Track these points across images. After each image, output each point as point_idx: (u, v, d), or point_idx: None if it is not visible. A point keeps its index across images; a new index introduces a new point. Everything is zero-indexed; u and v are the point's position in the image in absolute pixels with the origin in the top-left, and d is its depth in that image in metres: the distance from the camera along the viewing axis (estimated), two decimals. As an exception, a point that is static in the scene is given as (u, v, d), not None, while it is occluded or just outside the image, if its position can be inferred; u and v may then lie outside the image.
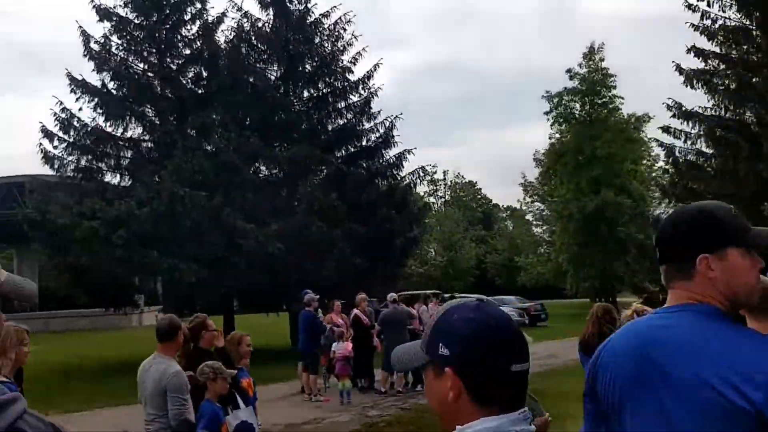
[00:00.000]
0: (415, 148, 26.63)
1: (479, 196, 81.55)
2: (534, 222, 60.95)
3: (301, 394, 14.79)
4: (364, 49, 26.85)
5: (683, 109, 23.42)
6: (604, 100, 44.98)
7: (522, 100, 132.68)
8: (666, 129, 24.31)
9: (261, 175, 26.67)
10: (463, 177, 78.77)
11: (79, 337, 34.04)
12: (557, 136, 51.16)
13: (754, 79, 21.93)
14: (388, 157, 26.43)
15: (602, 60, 44.74)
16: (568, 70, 45.21)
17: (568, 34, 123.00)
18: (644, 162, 47.45)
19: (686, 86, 22.89)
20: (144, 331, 28.74)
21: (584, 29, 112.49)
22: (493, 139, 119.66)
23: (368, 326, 15.07)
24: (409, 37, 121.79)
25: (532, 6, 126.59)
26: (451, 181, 77.47)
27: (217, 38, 26.40)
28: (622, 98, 45.23)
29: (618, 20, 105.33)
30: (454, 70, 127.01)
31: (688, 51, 23.10)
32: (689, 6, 23.65)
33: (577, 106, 45.97)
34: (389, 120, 26.39)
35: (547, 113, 46.85)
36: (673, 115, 23.56)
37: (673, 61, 23.63)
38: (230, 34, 26.61)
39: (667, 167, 25.90)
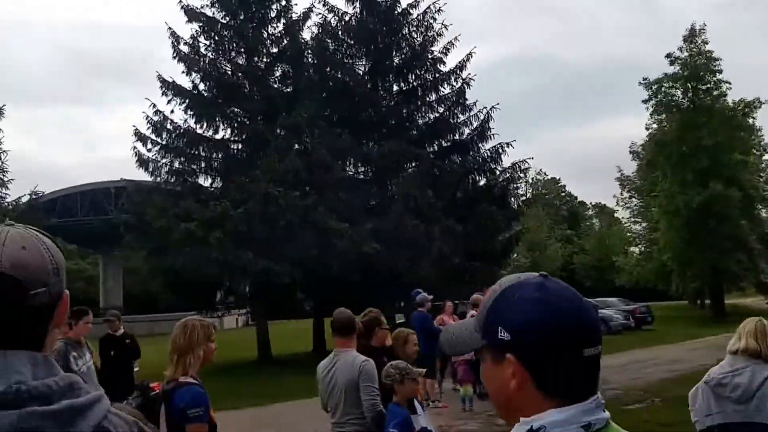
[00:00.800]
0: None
1: (563, 194, 79.35)
2: (632, 219, 58.56)
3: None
4: (456, 38, 26.20)
5: None
6: (708, 86, 42.73)
7: (604, 93, 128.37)
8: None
9: (352, 173, 26.34)
10: (545, 174, 76.75)
11: (162, 342, 34.52)
12: (654, 126, 49.25)
13: None
14: (483, 151, 25.66)
15: (705, 43, 42.53)
16: (668, 55, 43.09)
17: (651, 20, 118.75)
18: (755, 152, 44.93)
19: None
20: (227, 335, 28.86)
21: (670, 12, 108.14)
22: (574, 135, 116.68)
23: None
24: (482, 29, 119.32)
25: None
26: (532, 178, 75.63)
27: (303, 35, 26.30)
28: (729, 83, 42.87)
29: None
30: (526, 62, 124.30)
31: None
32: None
33: (679, 93, 43.84)
34: (485, 111, 25.61)
35: (645, 101, 44.89)
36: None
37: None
38: (316, 30, 26.40)
39: None
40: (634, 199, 56.63)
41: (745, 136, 43.65)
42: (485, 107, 25.56)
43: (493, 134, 25.45)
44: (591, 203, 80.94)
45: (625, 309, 34.99)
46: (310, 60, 25.93)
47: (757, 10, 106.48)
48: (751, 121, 43.52)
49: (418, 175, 24.91)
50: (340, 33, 26.61)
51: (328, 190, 23.37)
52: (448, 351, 1.47)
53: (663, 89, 44.10)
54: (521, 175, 25.93)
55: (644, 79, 44.33)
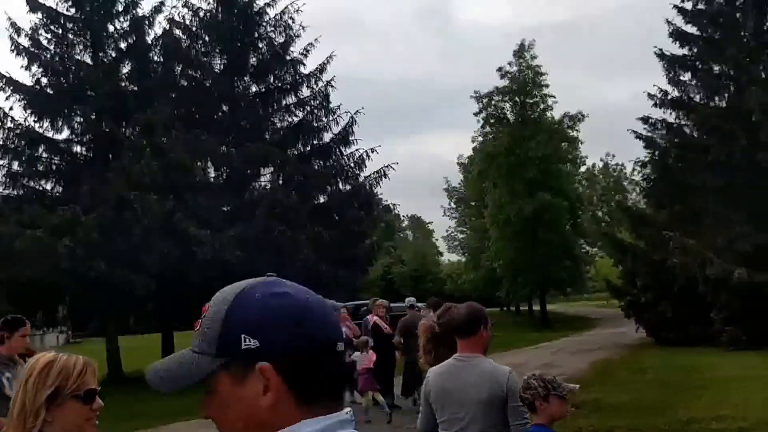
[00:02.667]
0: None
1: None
2: (458, 228, 61.20)
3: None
4: (316, 39, 26.02)
5: (669, 97, 23.88)
6: (535, 99, 45.53)
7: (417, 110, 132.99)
8: (646, 120, 24.73)
9: (213, 176, 25.40)
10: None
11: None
12: (480, 138, 51.94)
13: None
14: (346, 156, 25.62)
15: (534, 58, 45.33)
16: (499, 69, 45.58)
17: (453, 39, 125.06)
18: (571, 161, 48.23)
19: (669, 73, 23.41)
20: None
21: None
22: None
23: (389, 335, 13.61)
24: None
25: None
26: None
27: (153, 30, 25.04)
28: (554, 97, 45.95)
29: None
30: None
31: (671, 35, 23.68)
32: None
33: (508, 106, 46.38)
34: (348, 115, 25.59)
35: (476, 114, 47.14)
36: (655, 104, 23.99)
37: (655, 46, 24.24)
38: (167, 25, 25.19)
39: (645, 160, 26.13)
40: (461, 209, 59.29)
41: (569, 148, 46.92)
42: (348, 112, 25.56)
43: (356, 139, 25.50)
44: (406, 215, 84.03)
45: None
46: (161, 57, 24.73)
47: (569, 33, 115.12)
48: (574, 133, 46.84)
49: (282, 179, 24.41)
50: (194, 29, 25.59)
51: (187, 194, 22.34)
52: (167, 388, 1.21)
53: (493, 102, 46.52)
54: (381, 180, 26.01)
55: (476, 92, 46.57)
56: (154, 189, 21.53)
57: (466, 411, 4.05)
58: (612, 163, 58.27)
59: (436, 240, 71.55)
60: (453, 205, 61.30)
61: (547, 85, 45.28)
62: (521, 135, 43.79)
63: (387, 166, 25.46)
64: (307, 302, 1.19)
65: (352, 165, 25.36)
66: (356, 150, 25.71)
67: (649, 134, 25.23)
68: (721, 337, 21.32)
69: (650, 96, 25.19)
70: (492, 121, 46.84)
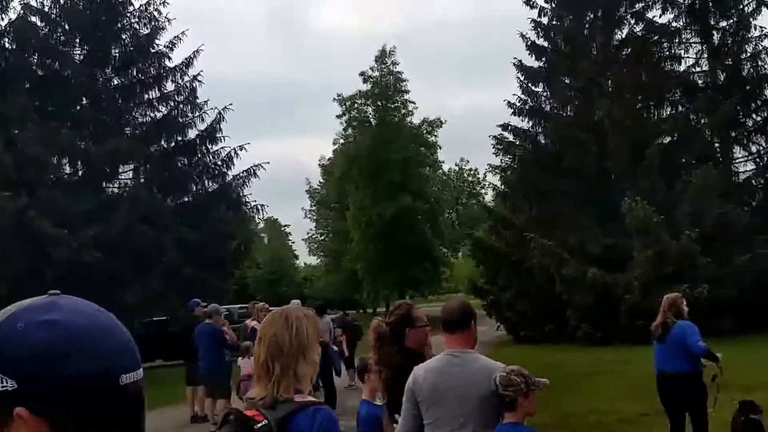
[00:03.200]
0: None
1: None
2: (319, 230, 61.17)
3: (202, 421, 13.18)
4: (183, 33, 25.32)
5: (527, 106, 24.93)
6: (396, 104, 46.31)
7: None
8: (505, 127, 25.74)
9: (71, 172, 24.10)
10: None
11: None
12: (342, 141, 52.46)
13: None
14: (213, 153, 25.03)
15: (396, 64, 46.09)
16: (362, 73, 46.08)
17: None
18: (430, 165, 49.38)
19: (527, 84, 24.44)
20: None
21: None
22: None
23: None
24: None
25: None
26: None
27: (6, 15, 23.56)
28: (414, 102, 46.91)
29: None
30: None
31: (528, 48, 24.73)
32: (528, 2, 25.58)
33: (370, 110, 46.94)
34: (215, 112, 25.02)
35: (339, 116, 47.47)
36: (514, 113, 25.00)
37: (514, 57, 25.21)
38: (22, 11, 23.74)
39: (504, 165, 27.14)
40: (321, 211, 59.29)
41: (429, 153, 48.02)
42: (216, 108, 24.99)
43: (223, 136, 24.98)
44: (260, 218, 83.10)
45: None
46: (14, 44, 23.28)
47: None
48: (433, 138, 47.97)
49: (144, 176, 23.57)
50: (53, 16, 24.23)
51: (42, 190, 21.15)
52: None
53: (356, 106, 46.98)
54: (250, 180, 25.56)
55: (338, 95, 46.89)
56: (6, 185, 20.30)
57: (465, 408, 3.82)
58: (466, 168, 60.23)
59: (293, 243, 71.39)
60: (314, 207, 61.28)
61: (407, 91, 46.28)
62: (383, 138, 44.44)
63: (257, 166, 25.15)
64: (79, 331, 1.01)
65: (219, 163, 24.84)
66: (223, 147, 25.27)
67: (509, 141, 26.33)
68: (576, 334, 22.46)
69: (510, 105, 26.33)
70: (354, 124, 47.33)
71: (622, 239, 23.05)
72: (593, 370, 16.24)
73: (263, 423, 2.47)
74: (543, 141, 26.46)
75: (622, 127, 22.99)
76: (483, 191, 61.08)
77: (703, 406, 7.50)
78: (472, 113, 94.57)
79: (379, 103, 46.12)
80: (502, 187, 28.24)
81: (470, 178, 59.99)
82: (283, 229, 74.14)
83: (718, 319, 20.95)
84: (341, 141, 53.79)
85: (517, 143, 26.24)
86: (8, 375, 0.96)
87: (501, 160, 26.80)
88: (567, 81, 26.16)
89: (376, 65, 46.05)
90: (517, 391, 3.70)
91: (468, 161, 63.80)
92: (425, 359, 4.31)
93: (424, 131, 47.42)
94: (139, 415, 1.07)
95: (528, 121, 26.77)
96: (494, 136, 26.33)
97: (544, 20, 26.50)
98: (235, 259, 26.09)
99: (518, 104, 26.50)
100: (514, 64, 26.56)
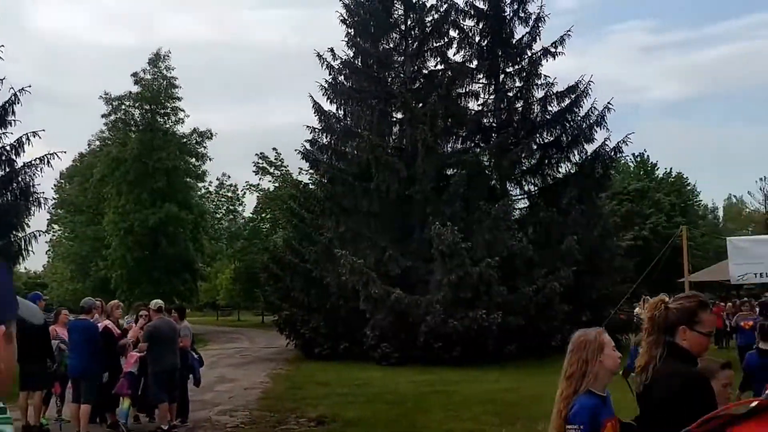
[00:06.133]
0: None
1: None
2: (66, 236, 55.65)
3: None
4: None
5: (339, 125, 24.38)
6: (167, 110, 43.67)
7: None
8: (313, 143, 25.00)
9: None
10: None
11: None
12: (98, 142, 48.83)
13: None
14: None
15: (170, 69, 43.45)
16: (134, 74, 42.92)
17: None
18: (198, 176, 47.14)
19: (339, 103, 24.03)
20: None
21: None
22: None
23: (118, 340, 11.24)
24: None
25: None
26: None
27: None
28: (184, 110, 44.56)
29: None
30: None
31: (343, 66, 24.38)
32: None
33: (137, 113, 43.78)
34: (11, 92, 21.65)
35: (105, 116, 43.82)
36: (323, 130, 24.37)
37: (325, 79, 24.68)
38: None
39: (311, 182, 26.24)
40: (69, 215, 54.07)
41: (198, 164, 45.74)
42: (12, 88, 21.61)
43: (14, 120, 21.63)
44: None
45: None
46: None
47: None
48: (202, 149, 45.70)
49: None
50: None
51: None
52: None
53: (123, 107, 43.61)
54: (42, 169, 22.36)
55: (106, 93, 43.23)
56: None
57: None
58: (227, 184, 58.46)
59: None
60: (60, 212, 55.80)
61: (180, 98, 43.88)
62: (150, 144, 41.65)
63: (51, 154, 22.11)
64: None
65: (8, 149, 21.45)
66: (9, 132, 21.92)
67: (316, 157, 25.70)
68: (374, 353, 22.22)
69: (321, 121, 25.80)
70: (120, 125, 43.92)
71: (418, 262, 23.36)
72: (421, 391, 15.99)
73: None
74: (353, 160, 26.10)
75: (432, 154, 23.40)
76: (241, 208, 59.71)
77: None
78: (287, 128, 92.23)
79: (148, 106, 43.14)
80: (313, 202, 27.31)
81: (229, 194, 58.25)
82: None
83: (508, 343, 21.97)
84: (97, 142, 50.20)
85: (324, 160, 25.69)
86: None
87: (310, 176, 26.07)
88: (374, 102, 26.05)
89: (148, 68, 43.17)
90: None
91: (229, 176, 62.14)
92: None
93: (194, 141, 45.13)
94: None
95: (331, 140, 26.39)
96: (300, 151, 25.59)
97: (360, 41, 26.36)
98: (20, 251, 22.66)
99: (330, 122, 26.11)
100: (329, 83, 26.14)
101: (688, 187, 63.39)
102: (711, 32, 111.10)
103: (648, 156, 56.67)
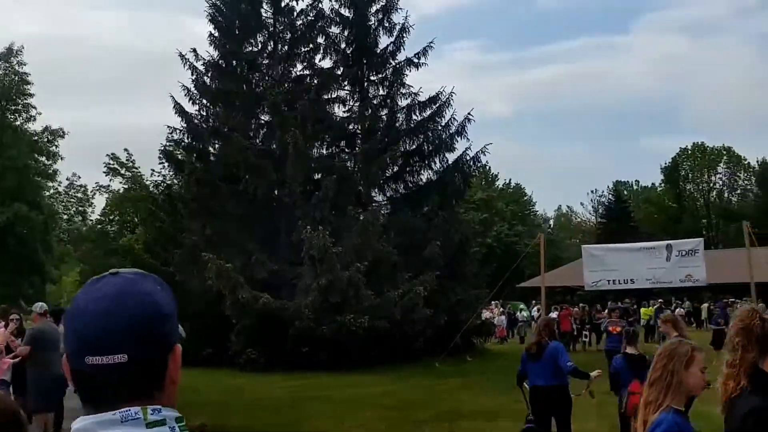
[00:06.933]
0: None
1: None
2: None
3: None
4: None
5: (208, 126, 23.02)
6: (18, 107, 40.36)
7: None
8: (178, 143, 23.46)
9: None
10: None
11: None
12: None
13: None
14: None
15: (22, 65, 40.17)
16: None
17: None
18: (50, 176, 43.87)
19: (207, 104, 22.74)
20: None
21: None
22: None
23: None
24: None
25: None
26: None
27: None
28: (36, 107, 41.34)
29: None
30: None
31: (211, 68, 23.10)
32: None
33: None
34: None
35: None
36: (189, 131, 22.98)
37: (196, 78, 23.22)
38: None
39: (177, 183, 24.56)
40: None
41: (49, 162, 42.58)
42: None
43: None
44: None
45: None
46: None
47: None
48: (54, 148, 42.54)
49: None
50: None
51: None
52: None
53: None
54: None
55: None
56: None
57: None
58: (77, 184, 54.71)
59: None
60: None
61: (32, 95, 40.68)
62: (0, 141, 38.40)
63: None
64: (73, 312, 1.23)
65: None
66: None
67: (180, 158, 24.23)
68: (239, 359, 21.12)
69: (185, 122, 24.31)
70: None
71: (286, 266, 22.53)
72: (297, 396, 15.24)
73: None
74: (215, 161, 24.81)
75: (302, 158, 22.63)
76: (90, 210, 56.02)
77: (569, 414, 8.24)
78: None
79: (-1, 102, 39.64)
80: (157, 204, 25.78)
81: (79, 194, 54.51)
82: None
83: (374, 347, 21.54)
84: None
85: (189, 161, 24.22)
86: None
87: (175, 178, 24.48)
88: (241, 104, 24.91)
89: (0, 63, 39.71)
90: None
91: (80, 176, 58.20)
92: None
93: (45, 140, 41.89)
94: (111, 389, 1.19)
95: (195, 140, 25.02)
96: (162, 152, 24.02)
97: (227, 43, 25.14)
98: None
99: (186, 124, 24.65)
100: (199, 84, 24.75)
101: (525, 198, 66.29)
102: (536, 54, 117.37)
103: (489, 167, 58.65)
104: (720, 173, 75.25)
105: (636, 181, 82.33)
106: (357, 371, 18.93)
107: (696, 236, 36.90)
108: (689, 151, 75.66)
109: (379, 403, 13.48)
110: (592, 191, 64.98)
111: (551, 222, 77.70)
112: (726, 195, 75.93)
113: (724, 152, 74.85)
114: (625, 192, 75.89)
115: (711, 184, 75.23)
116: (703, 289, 29.70)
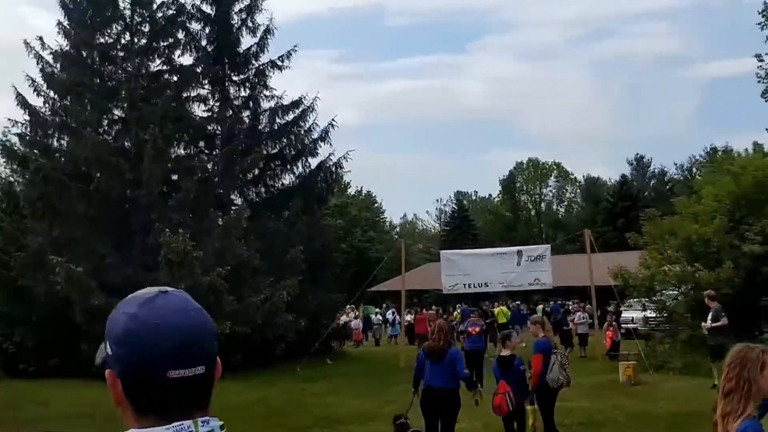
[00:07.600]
0: None
1: None
2: None
3: None
4: None
5: (55, 121, 20.77)
6: None
7: None
8: (21, 137, 21.06)
9: None
10: None
11: None
12: None
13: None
14: None
15: None
16: None
17: None
18: None
19: (54, 98, 20.52)
20: None
21: None
22: None
23: None
24: None
25: None
26: None
27: None
28: None
29: None
30: None
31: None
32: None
33: None
34: None
35: None
36: (37, 126, 20.68)
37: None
38: None
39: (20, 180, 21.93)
40: None
41: None
42: None
43: None
44: None
45: None
46: None
47: None
48: None
49: None
50: None
51: None
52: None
53: None
54: None
55: None
56: None
57: None
58: None
59: None
60: None
61: None
62: None
63: None
64: (148, 329, 1.19)
65: None
66: None
67: (24, 154, 21.81)
68: (93, 368, 19.18)
69: (29, 114, 21.89)
70: None
71: (141, 270, 20.87)
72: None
73: None
74: (62, 157, 22.58)
75: (160, 157, 21.03)
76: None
77: (455, 416, 8.55)
78: None
79: None
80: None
81: None
82: None
83: (235, 353, 20.37)
84: None
85: (33, 157, 21.82)
86: (109, 342, 1.24)
87: (16, 174, 21.97)
88: (88, 96, 22.82)
89: None
90: None
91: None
92: None
93: None
94: (184, 402, 1.21)
95: (40, 135, 22.67)
96: (2, 147, 21.55)
97: (59, 39, 22.95)
98: None
99: (30, 117, 22.29)
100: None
101: (375, 205, 66.75)
102: (383, 68, 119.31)
103: (343, 175, 58.44)
104: (550, 186, 79.55)
105: (475, 191, 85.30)
106: (220, 378, 17.69)
107: (529, 243, 38.35)
108: (524, 165, 79.38)
109: (252, 412, 12.56)
110: (436, 200, 66.53)
111: (398, 229, 78.81)
112: (555, 206, 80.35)
113: (555, 167, 79.22)
114: (465, 202, 78.40)
115: (542, 196, 79.33)
116: (551, 292, 30.90)
